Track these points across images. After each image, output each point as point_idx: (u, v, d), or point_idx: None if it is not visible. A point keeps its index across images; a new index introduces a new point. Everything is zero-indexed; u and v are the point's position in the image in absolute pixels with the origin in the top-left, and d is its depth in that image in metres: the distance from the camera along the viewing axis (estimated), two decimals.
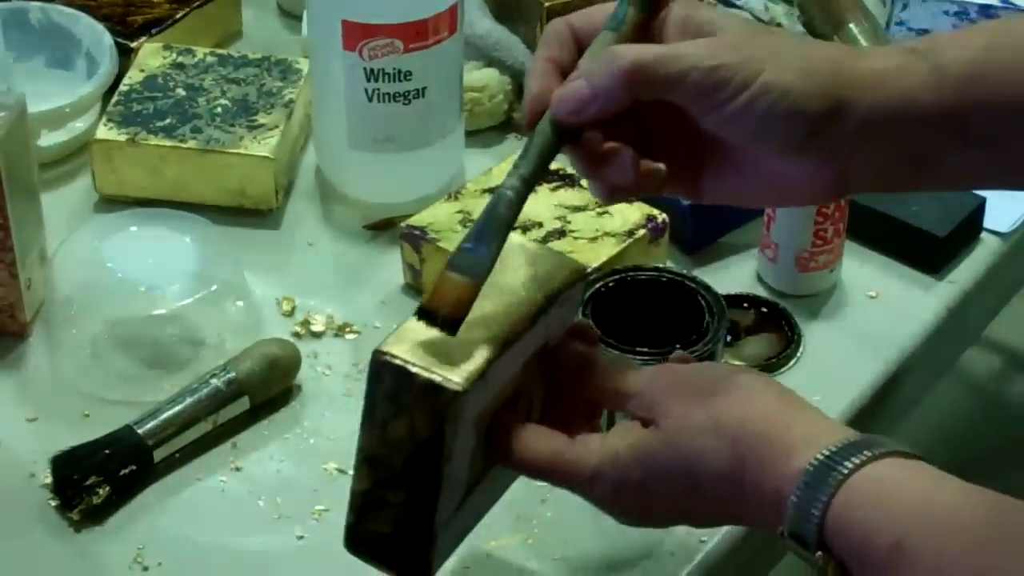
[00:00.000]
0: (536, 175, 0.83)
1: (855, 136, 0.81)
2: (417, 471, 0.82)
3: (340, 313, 1.17)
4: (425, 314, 0.82)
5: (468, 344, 0.81)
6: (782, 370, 1.12)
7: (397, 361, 0.80)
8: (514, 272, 0.86)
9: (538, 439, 0.85)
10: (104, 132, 1.24)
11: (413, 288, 1.19)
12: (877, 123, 0.81)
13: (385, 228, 1.24)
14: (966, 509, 0.75)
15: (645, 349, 0.99)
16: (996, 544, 0.73)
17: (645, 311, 1.03)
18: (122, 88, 1.28)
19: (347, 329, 1.16)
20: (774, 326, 1.15)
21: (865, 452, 0.77)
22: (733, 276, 1.20)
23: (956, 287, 1.20)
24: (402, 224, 1.18)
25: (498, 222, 0.82)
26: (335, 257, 1.23)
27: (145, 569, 0.99)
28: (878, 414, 1.13)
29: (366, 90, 1.19)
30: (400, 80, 1.18)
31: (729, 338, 1.14)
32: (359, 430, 0.83)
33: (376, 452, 0.82)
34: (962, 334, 1.25)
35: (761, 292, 1.18)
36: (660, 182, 0.84)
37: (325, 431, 1.08)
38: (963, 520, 0.74)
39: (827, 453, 0.77)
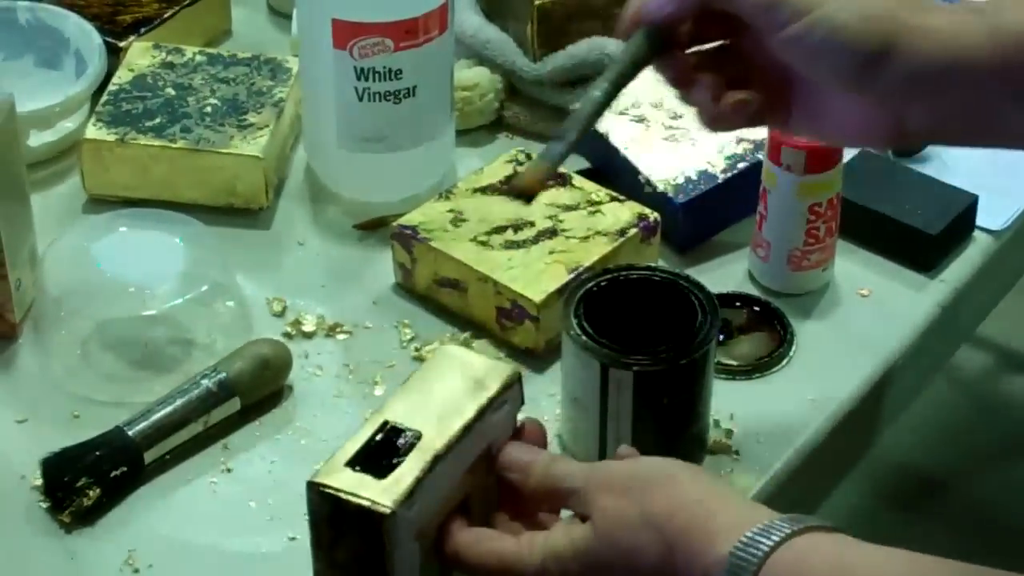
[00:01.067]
0: (625, 77, 0.92)
1: (905, 84, 0.86)
2: None
3: (331, 313, 1.16)
4: (512, 191, 0.94)
5: (399, 464, 0.86)
6: (774, 369, 1.12)
7: (329, 491, 0.85)
8: (445, 382, 0.91)
9: (482, 543, 0.88)
10: (93, 132, 1.24)
11: (404, 288, 1.18)
12: (926, 76, 0.86)
13: (376, 228, 1.23)
14: (883, 569, 0.78)
15: (636, 349, 0.99)
16: None
17: (637, 311, 1.03)
18: (111, 88, 1.28)
19: (338, 329, 1.15)
20: (767, 325, 1.15)
21: (784, 530, 0.79)
22: (725, 275, 1.19)
23: (948, 285, 1.19)
24: (393, 223, 1.18)
25: (580, 118, 0.93)
26: (326, 257, 1.22)
27: (136, 571, 0.98)
28: (870, 412, 1.12)
29: (356, 89, 1.18)
30: (390, 79, 1.18)
31: (722, 337, 1.13)
32: (311, 553, 0.87)
33: (328, 573, 0.87)
34: (954, 332, 1.24)
35: (753, 291, 1.18)
36: (753, 114, 0.93)
37: (317, 432, 1.08)
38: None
39: (748, 536, 0.80)
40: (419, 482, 0.86)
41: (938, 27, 0.86)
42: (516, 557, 0.87)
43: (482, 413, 0.90)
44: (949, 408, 2.24)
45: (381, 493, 0.85)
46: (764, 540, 0.79)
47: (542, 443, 0.92)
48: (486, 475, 0.93)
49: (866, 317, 1.17)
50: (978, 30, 0.85)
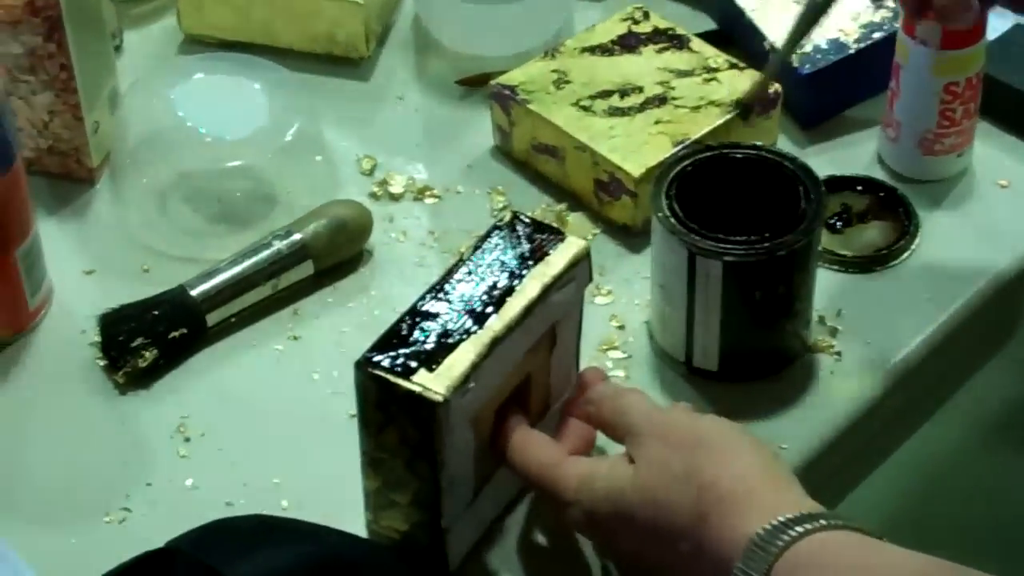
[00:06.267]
0: None
1: None
2: (417, 474, 0.81)
3: (422, 175, 1.09)
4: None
5: (453, 347, 0.80)
6: (893, 263, 1.02)
7: (379, 372, 0.80)
8: None
9: (532, 448, 0.84)
10: None
11: (502, 151, 1.10)
12: None
13: (479, 85, 1.15)
14: (905, 572, 0.72)
15: (728, 237, 0.90)
16: None
17: (738, 194, 0.94)
18: None
19: (427, 193, 1.08)
20: (890, 213, 1.05)
21: (815, 523, 0.74)
22: (851, 156, 1.09)
23: None
24: (493, 82, 1.10)
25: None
26: (424, 114, 1.15)
27: (187, 440, 0.94)
28: (995, 319, 1.02)
29: None
30: None
31: (839, 224, 1.04)
32: (359, 434, 0.82)
33: (377, 456, 0.83)
34: None
35: (880, 175, 1.08)
36: None
37: (392, 302, 1.01)
38: None
39: (777, 522, 0.74)
40: (475, 367, 0.80)
41: None
42: (556, 476, 0.83)
43: (545, 292, 0.84)
44: None
45: (434, 379, 0.79)
46: (789, 529, 0.74)
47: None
48: (548, 355, 0.87)
49: (1003, 210, 1.06)
50: None
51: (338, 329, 1.00)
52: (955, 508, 1.83)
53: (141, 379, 0.97)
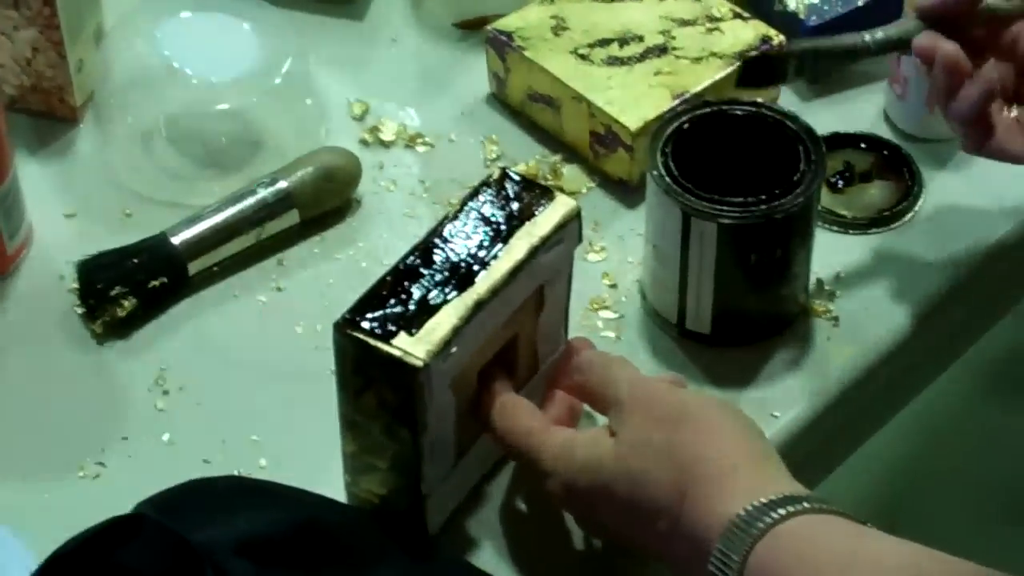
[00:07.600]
0: (884, 47, 0.91)
1: None
2: (396, 439, 0.79)
3: (415, 121, 1.06)
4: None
5: (435, 309, 0.78)
6: (895, 224, 0.99)
7: (358, 334, 0.77)
8: None
9: (513, 415, 0.82)
10: None
11: (498, 99, 1.07)
12: None
13: (478, 27, 1.12)
14: (889, 561, 0.70)
15: (724, 198, 0.87)
16: None
17: (736, 153, 0.91)
18: None
19: (419, 140, 1.05)
20: (893, 173, 1.02)
21: (798, 505, 0.72)
22: (857, 112, 1.06)
23: None
24: (488, 27, 1.06)
25: (836, 41, 0.92)
26: (419, 57, 1.12)
27: (165, 393, 0.91)
28: (997, 284, 1.00)
29: None
30: None
31: (840, 183, 1.01)
32: (336, 396, 0.80)
33: (355, 419, 0.81)
34: None
35: (885, 133, 1.05)
36: None
37: (380, 253, 0.98)
38: (886, 571, 0.69)
39: (759, 503, 0.72)
40: (457, 331, 0.78)
41: None
42: (535, 444, 0.80)
43: (532, 254, 0.81)
44: None
45: (414, 343, 0.77)
46: (771, 512, 0.71)
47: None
48: (535, 315, 0.85)
49: (1009, 172, 1.00)
50: None
51: (324, 281, 0.97)
52: (956, 468, 1.81)
53: (119, 329, 0.94)
